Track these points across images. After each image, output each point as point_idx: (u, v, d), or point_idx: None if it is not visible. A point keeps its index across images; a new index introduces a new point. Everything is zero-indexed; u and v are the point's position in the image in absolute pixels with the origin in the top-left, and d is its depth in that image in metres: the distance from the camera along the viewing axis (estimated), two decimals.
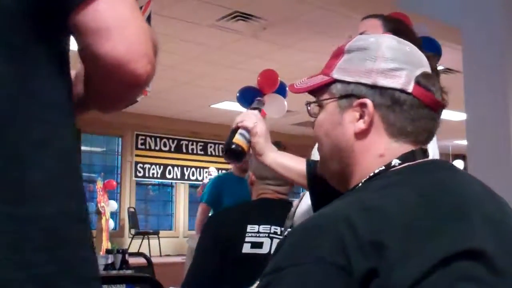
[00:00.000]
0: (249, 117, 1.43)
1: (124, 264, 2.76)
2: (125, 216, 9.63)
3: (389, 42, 0.95)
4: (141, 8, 4.15)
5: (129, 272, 2.68)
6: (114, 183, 9.34)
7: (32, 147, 0.67)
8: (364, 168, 0.92)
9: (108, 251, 2.89)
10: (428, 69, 0.95)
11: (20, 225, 0.64)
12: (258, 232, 1.89)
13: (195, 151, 10.67)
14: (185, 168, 10.52)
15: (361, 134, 0.92)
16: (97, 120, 7.67)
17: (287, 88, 6.07)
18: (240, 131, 1.40)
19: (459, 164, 9.38)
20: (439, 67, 3.22)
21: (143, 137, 10.10)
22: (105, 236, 8.09)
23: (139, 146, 10.06)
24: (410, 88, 0.91)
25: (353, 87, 0.93)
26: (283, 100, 6.08)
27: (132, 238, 9.24)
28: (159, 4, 4.43)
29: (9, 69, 0.67)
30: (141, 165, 10.05)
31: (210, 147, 10.78)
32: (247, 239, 1.88)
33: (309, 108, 1.02)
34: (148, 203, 10.68)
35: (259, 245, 1.88)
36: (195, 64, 6.83)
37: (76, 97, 0.83)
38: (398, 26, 1.57)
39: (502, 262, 0.76)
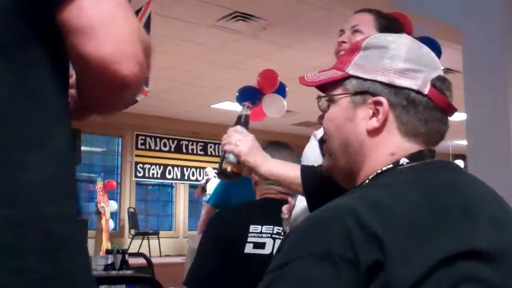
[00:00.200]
0: (231, 138, 1.43)
1: (124, 264, 2.76)
2: (125, 216, 9.63)
3: (407, 43, 0.94)
4: (140, 8, 4.15)
5: (129, 272, 2.67)
6: (114, 183, 9.34)
7: (28, 148, 0.66)
8: (373, 166, 0.91)
9: (108, 252, 2.89)
10: (442, 72, 0.95)
11: (15, 227, 0.63)
12: (261, 232, 1.88)
13: (195, 151, 10.67)
14: (185, 168, 10.52)
15: (374, 132, 0.92)
16: (97, 120, 7.66)
17: (286, 88, 6.08)
18: (226, 154, 1.43)
19: (459, 164, 9.35)
20: None
21: (143, 137, 10.09)
22: (105, 236, 8.09)
23: (139, 146, 10.06)
24: (426, 90, 0.91)
25: (369, 84, 0.92)
26: (282, 100, 6.08)
27: (132, 239, 9.23)
28: (159, 4, 4.42)
29: (5, 70, 0.66)
30: (141, 165, 10.05)
31: (210, 147, 10.78)
32: (249, 239, 1.88)
33: (319, 102, 1.01)
34: (148, 203, 10.68)
35: (261, 245, 1.87)
36: (195, 64, 6.83)
37: (73, 101, 0.82)
38: (391, 23, 1.57)
39: (506, 262, 0.76)
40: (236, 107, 7.01)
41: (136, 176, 10.00)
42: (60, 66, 0.74)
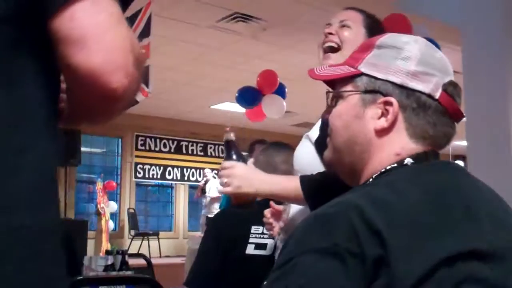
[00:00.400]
0: (221, 179, 1.42)
1: (124, 265, 2.75)
2: (125, 217, 9.63)
3: (422, 46, 0.94)
4: (141, 9, 4.15)
5: (129, 273, 2.67)
6: (114, 184, 9.34)
7: (12, 155, 0.65)
8: (377, 164, 0.91)
9: (108, 252, 2.88)
10: (453, 77, 0.95)
11: None
12: (263, 233, 1.89)
13: (195, 152, 10.67)
14: (185, 169, 10.52)
15: (381, 132, 0.92)
16: None
17: (286, 89, 6.08)
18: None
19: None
20: None
21: (143, 138, 10.09)
22: (105, 237, 8.09)
23: (139, 147, 10.06)
24: (437, 95, 0.90)
25: (380, 84, 0.92)
26: (282, 100, 6.08)
27: (132, 239, 9.23)
28: (159, 6, 4.43)
29: None
30: (141, 166, 10.05)
31: (210, 148, 10.78)
32: (251, 240, 1.88)
33: (328, 98, 1.01)
34: (148, 204, 10.68)
35: (263, 246, 1.88)
36: (195, 65, 6.83)
37: (66, 110, 0.80)
38: (378, 27, 1.57)
39: (507, 263, 0.77)
40: (236, 108, 7.01)
41: (136, 177, 10.00)
42: (50, 74, 0.72)
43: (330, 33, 1.55)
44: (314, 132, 1.47)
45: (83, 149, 7.67)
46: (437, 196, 0.81)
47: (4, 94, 0.66)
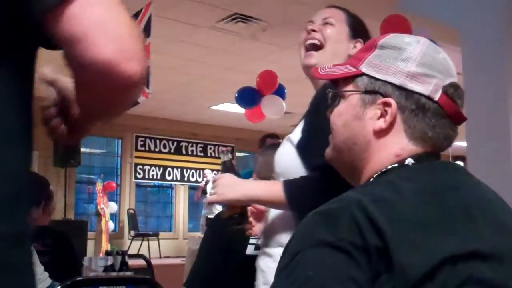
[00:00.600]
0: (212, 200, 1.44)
1: (124, 265, 2.75)
2: (124, 217, 9.63)
3: (424, 47, 0.93)
4: (140, 10, 4.15)
5: (128, 273, 2.67)
6: (114, 184, 9.35)
7: None
8: (378, 165, 0.92)
9: (107, 253, 2.88)
10: (456, 79, 0.94)
11: None
12: None
13: (194, 153, 10.68)
14: (184, 170, 10.52)
15: (380, 133, 0.92)
16: None
17: (285, 90, 6.08)
18: (218, 207, 1.48)
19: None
20: None
21: (143, 139, 10.10)
22: (104, 237, 8.09)
23: (139, 147, 10.06)
24: (437, 97, 0.90)
25: (380, 85, 0.92)
26: (281, 101, 6.09)
27: (132, 240, 9.23)
28: (159, 6, 4.42)
29: None
30: (141, 167, 10.05)
31: (210, 148, 10.78)
32: (251, 241, 1.88)
33: (330, 96, 1.01)
34: (148, 204, 10.67)
35: None
36: (195, 65, 6.83)
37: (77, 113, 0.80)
38: (360, 27, 1.56)
39: (507, 264, 0.77)
40: (236, 109, 7.01)
41: (136, 178, 10.00)
42: (25, 85, 0.70)
43: (313, 30, 1.53)
44: (296, 135, 1.46)
45: (83, 149, 7.68)
46: (438, 196, 0.81)
47: None
